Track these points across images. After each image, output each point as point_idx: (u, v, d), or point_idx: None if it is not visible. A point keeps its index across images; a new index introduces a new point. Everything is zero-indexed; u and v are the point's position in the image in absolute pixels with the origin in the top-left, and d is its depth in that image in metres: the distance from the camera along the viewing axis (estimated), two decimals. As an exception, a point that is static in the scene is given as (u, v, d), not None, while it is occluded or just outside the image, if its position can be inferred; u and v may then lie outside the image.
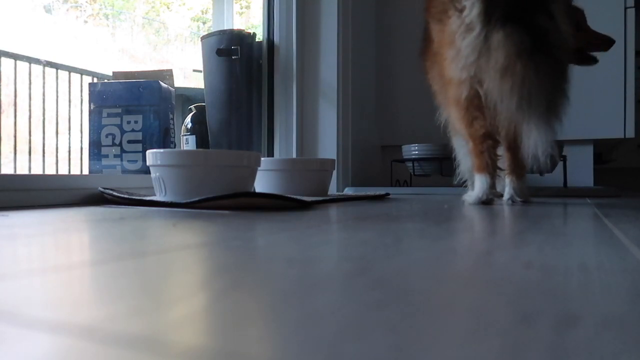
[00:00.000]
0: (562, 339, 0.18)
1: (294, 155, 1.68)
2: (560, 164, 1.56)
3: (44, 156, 2.26)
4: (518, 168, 1.11)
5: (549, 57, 0.95)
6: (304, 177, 1.22)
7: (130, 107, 1.40)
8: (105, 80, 1.67)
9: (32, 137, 2.22)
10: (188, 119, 1.66)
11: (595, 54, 1.19)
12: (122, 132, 1.39)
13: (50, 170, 2.25)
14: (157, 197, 0.95)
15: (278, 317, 0.22)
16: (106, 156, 1.39)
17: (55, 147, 2.27)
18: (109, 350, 0.17)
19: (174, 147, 1.49)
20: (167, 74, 1.50)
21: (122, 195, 0.95)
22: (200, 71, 1.68)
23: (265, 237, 0.49)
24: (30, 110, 2.23)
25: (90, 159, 1.42)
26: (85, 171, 1.63)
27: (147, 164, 0.96)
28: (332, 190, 1.58)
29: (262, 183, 1.22)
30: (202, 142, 1.62)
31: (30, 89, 2.20)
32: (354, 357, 0.16)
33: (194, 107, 1.66)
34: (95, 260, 0.36)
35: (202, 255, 0.38)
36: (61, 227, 0.58)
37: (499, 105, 0.99)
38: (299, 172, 1.22)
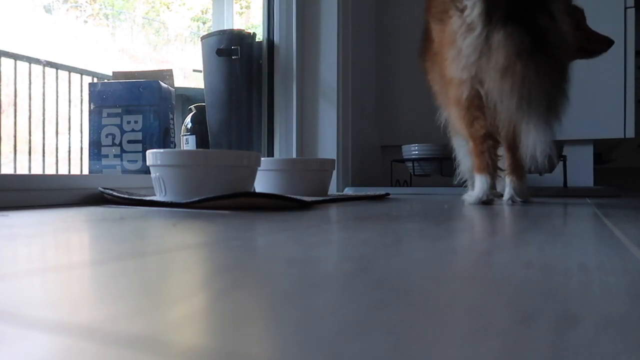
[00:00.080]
0: (562, 339, 0.18)
1: (294, 155, 1.68)
2: (561, 164, 1.56)
3: (44, 156, 2.26)
4: (518, 168, 1.11)
5: (549, 57, 0.95)
6: (304, 177, 1.22)
7: (130, 107, 1.40)
8: (105, 80, 1.67)
9: (32, 137, 2.22)
10: (188, 119, 1.66)
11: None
12: (122, 132, 1.39)
13: (50, 170, 2.25)
14: (157, 197, 0.95)
15: (278, 317, 0.22)
16: (106, 156, 1.39)
17: (55, 147, 2.27)
18: (109, 350, 0.17)
19: (174, 147, 1.49)
20: (167, 74, 1.50)
21: (122, 195, 0.95)
22: (200, 71, 1.68)
23: (265, 237, 0.49)
24: (30, 110, 2.23)
25: (90, 159, 1.42)
26: (85, 171, 1.63)
27: (147, 164, 0.96)
28: (332, 190, 1.58)
29: (262, 183, 1.22)
30: (202, 142, 1.62)
31: (30, 89, 2.20)
32: (354, 357, 0.16)
33: (194, 107, 1.66)
34: (95, 260, 0.36)
35: (202, 255, 0.38)
36: (61, 227, 0.58)
37: (499, 105, 0.99)
38: (299, 172, 1.22)
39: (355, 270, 0.32)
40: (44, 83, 2.25)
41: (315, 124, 1.71)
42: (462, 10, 1.01)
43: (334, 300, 0.24)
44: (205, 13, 4.03)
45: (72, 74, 2.32)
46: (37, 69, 2.23)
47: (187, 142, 1.65)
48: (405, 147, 1.76)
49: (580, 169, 1.78)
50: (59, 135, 2.29)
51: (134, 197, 0.94)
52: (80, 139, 2.30)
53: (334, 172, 1.43)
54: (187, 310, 0.22)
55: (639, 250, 0.40)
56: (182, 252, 0.39)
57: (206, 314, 0.22)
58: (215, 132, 1.59)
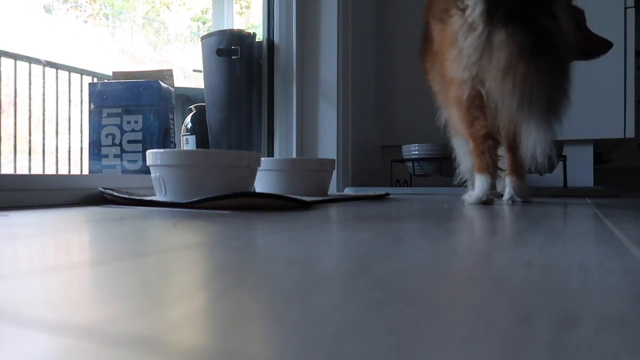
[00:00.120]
0: (562, 339, 0.18)
1: (294, 155, 1.68)
2: (560, 164, 1.56)
3: (44, 156, 2.26)
4: (518, 168, 1.11)
5: (550, 57, 0.95)
6: (304, 177, 1.22)
7: (130, 107, 1.40)
8: (105, 80, 1.67)
9: (32, 137, 2.22)
10: (188, 119, 1.66)
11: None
12: (122, 132, 1.39)
13: (50, 170, 2.25)
14: (157, 197, 0.95)
15: (278, 317, 0.22)
16: (106, 156, 1.39)
17: (55, 147, 2.27)
18: (109, 350, 0.17)
19: (174, 147, 1.49)
20: (167, 74, 1.50)
21: (122, 195, 0.95)
22: (200, 71, 1.68)
23: (265, 237, 0.49)
24: (30, 110, 2.23)
25: (90, 159, 1.42)
26: (85, 171, 1.63)
27: (147, 164, 0.96)
28: (332, 190, 1.58)
29: (262, 183, 1.22)
30: (202, 142, 1.62)
31: (30, 89, 2.20)
32: (354, 357, 0.16)
33: (194, 107, 1.66)
34: (95, 260, 0.36)
35: (202, 255, 0.38)
36: (61, 227, 0.58)
37: (500, 105, 0.99)
38: (299, 172, 1.22)
39: (355, 270, 0.32)
40: (44, 83, 2.25)
41: (315, 124, 1.71)
42: (463, 10, 1.01)
43: (334, 300, 0.24)
44: (205, 13, 4.03)
45: (72, 74, 2.32)
46: (37, 69, 2.23)
47: (187, 142, 1.65)
48: (405, 147, 1.76)
49: (580, 169, 1.78)
50: (59, 135, 2.29)
51: (134, 197, 0.94)
52: (80, 139, 2.30)
53: (334, 172, 1.43)
54: (187, 310, 0.22)
55: (639, 250, 0.40)
56: (182, 252, 0.39)
57: (206, 314, 0.22)
58: (215, 132, 1.59)
